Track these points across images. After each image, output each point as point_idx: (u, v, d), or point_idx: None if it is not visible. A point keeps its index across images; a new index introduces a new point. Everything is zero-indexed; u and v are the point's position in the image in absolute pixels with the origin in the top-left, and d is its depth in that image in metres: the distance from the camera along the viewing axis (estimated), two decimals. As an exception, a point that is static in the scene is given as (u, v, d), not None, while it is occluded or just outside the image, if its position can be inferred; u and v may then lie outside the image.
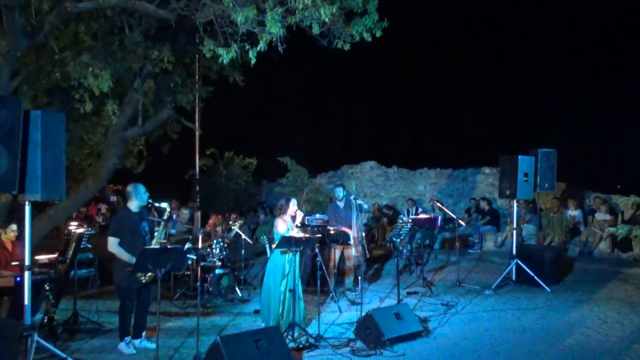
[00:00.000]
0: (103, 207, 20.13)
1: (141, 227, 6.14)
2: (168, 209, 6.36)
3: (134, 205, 6.18)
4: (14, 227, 7.24)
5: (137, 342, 6.19)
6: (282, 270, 6.64)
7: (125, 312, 6.10)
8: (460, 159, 16.43)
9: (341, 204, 9.09)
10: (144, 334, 6.29)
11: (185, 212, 10.96)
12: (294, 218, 6.95)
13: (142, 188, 6.20)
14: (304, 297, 6.93)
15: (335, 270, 9.08)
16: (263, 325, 6.74)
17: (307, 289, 8.27)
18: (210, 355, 5.17)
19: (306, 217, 8.89)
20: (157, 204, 6.37)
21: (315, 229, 8.84)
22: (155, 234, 6.23)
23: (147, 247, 5.82)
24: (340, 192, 9.15)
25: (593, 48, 22.85)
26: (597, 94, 22.05)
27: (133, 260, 5.70)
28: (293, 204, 6.92)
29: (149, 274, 5.83)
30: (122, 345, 6.08)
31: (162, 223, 6.37)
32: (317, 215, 9.40)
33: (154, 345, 5.79)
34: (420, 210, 13.24)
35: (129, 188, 6.23)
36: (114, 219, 6.37)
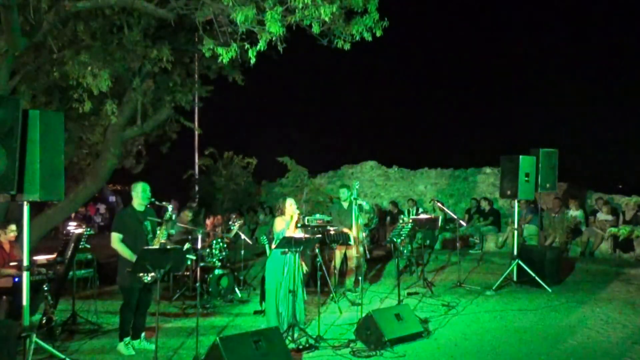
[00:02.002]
0: (102, 208, 20.12)
1: (143, 226, 6.13)
2: (170, 208, 6.34)
3: (137, 203, 6.18)
4: (13, 227, 7.20)
5: (136, 343, 6.17)
6: (280, 270, 6.62)
7: (126, 312, 6.07)
8: (461, 158, 16.42)
9: (345, 205, 9.08)
10: (143, 334, 6.26)
11: (188, 214, 10.92)
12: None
13: (145, 187, 6.19)
14: (303, 298, 6.89)
15: (336, 271, 9.04)
16: (263, 326, 6.70)
17: (307, 289, 8.21)
18: (210, 356, 5.14)
19: (306, 218, 8.86)
20: (158, 203, 6.35)
21: (315, 229, 8.80)
22: (158, 233, 6.20)
23: (146, 247, 5.80)
24: (344, 193, 9.15)
25: (594, 48, 22.87)
26: (599, 94, 22.08)
27: (134, 257, 5.69)
28: (289, 204, 6.87)
29: (151, 273, 5.80)
30: (121, 346, 6.05)
31: (164, 223, 6.35)
32: (317, 215, 9.36)
33: (153, 346, 5.76)
34: (420, 210, 13.20)
35: (133, 187, 6.23)
36: (117, 215, 6.39)
